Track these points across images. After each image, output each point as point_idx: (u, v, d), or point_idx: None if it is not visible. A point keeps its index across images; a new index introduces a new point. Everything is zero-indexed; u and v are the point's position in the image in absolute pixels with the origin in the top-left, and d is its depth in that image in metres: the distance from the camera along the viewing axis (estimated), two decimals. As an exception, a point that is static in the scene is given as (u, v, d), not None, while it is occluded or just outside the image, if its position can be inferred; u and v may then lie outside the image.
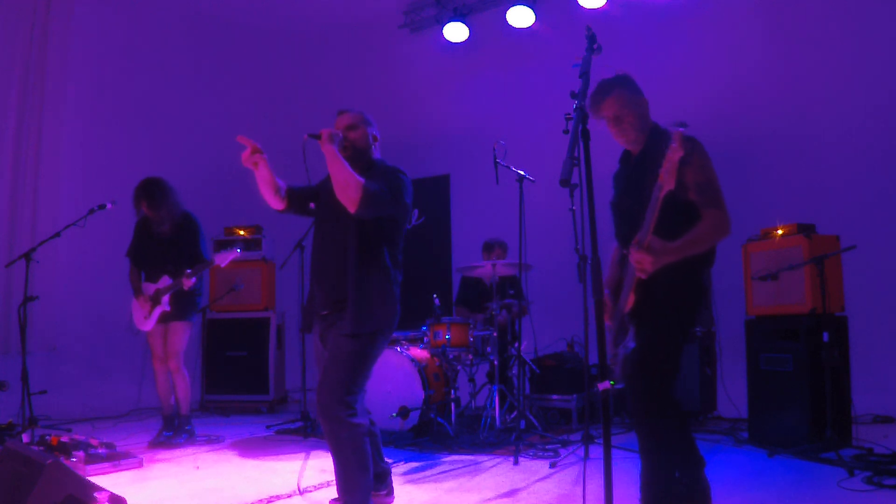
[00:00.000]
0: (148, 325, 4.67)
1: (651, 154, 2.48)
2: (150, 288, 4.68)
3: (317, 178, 3.01)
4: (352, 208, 2.72)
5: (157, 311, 4.62)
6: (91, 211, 4.69)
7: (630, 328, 2.51)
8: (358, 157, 2.92)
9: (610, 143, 2.64)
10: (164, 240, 4.72)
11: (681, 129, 2.15)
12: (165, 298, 4.59)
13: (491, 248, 5.88)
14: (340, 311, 2.81)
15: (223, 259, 4.53)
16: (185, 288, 4.56)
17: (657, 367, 2.39)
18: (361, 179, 2.73)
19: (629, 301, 2.46)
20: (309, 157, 2.78)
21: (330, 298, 2.85)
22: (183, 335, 4.76)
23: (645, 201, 2.34)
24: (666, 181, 2.19)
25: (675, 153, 2.14)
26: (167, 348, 4.73)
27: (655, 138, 2.53)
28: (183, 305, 4.70)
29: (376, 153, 3.05)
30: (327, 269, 2.88)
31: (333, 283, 2.84)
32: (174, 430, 4.75)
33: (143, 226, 4.82)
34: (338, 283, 2.82)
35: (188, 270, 4.53)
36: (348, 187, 2.70)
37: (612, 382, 2.51)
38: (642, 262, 2.29)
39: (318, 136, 2.80)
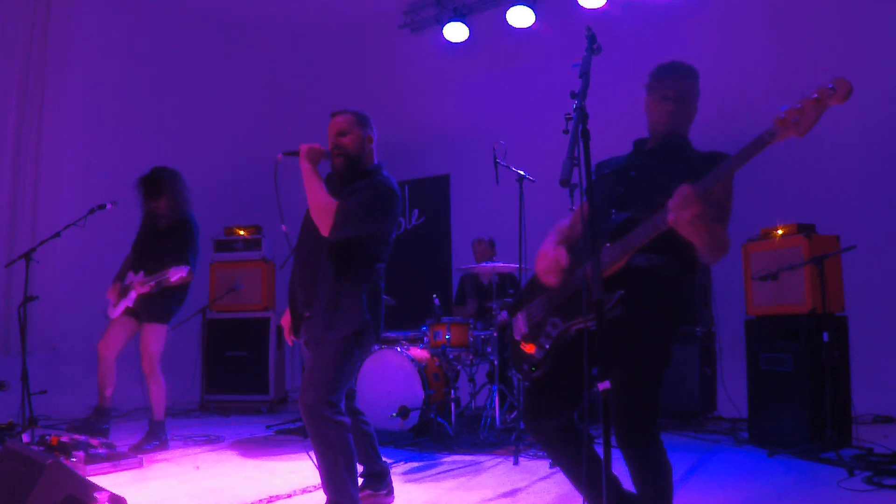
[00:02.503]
0: (114, 313, 4.56)
1: (676, 149, 2.25)
2: (130, 278, 4.59)
3: (292, 194, 2.98)
4: (324, 231, 2.71)
5: (122, 305, 4.51)
6: (91, 211, 4.67)
7: (577, 307, 2.11)
8: (352, 165, 2.87)
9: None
10: (158, 234, 4.62)
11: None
12: (131, 294, 4.46)
13: (480, 243, 5.97)
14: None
15: (174, 273, 4.33)
16: (137, 293, 4.43)
17: (655, 394, 2.13)
18: (334, 203, 2.70)
19: (612, 269, 2.08)
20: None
21: (308, 302, 2.83)
22: (158, 338, 4.56)
23: (659, 180, 2.06)
24: (794, 124, 1.77)
25: (831, 97, 1.74)
26: (141, 350, 4.54)
27: (686, 143, 2.30)
28: (158, 308, 4.54)
29: (373, 157, 2.97)
30: (303, 274, 2.87)
31: (307, 287, 2.83)
32: (147, 434, 4.51)
33: (146, 217, 4.76)
34: (310, 288, 2.81)
35: (146, 277, 4.42)
36: (322, 212, 2.70)
37: (532, 368, 2.20)
38: (691, 202, 1.85)
39: (295, 153, 2.78)
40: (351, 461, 2.69)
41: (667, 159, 2.23)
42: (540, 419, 2.23)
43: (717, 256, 2.04)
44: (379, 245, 2.88)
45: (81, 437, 4.04)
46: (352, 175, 2.86)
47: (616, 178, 2.31)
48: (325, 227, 2.71)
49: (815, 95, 1.76)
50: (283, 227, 2.93)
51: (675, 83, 2.26)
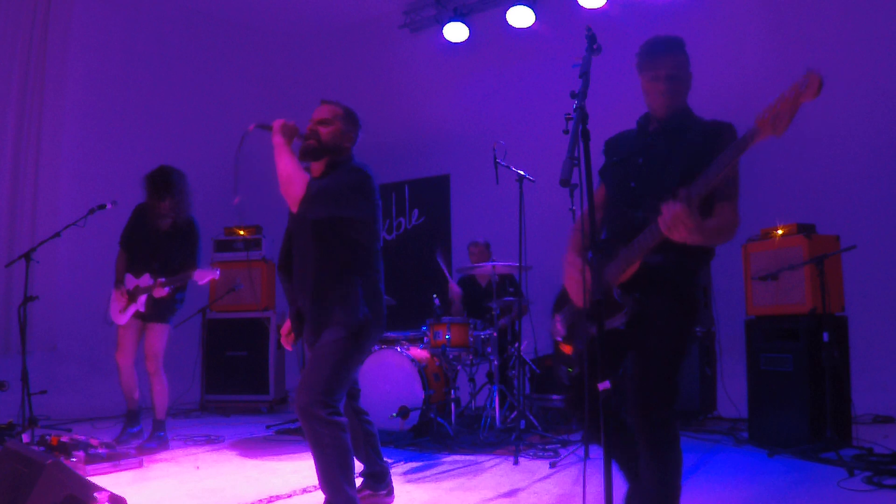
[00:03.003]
0: (122, 319, 4.53)
1: (680, 128, 2.26)
2: (131, 281, 4.54)
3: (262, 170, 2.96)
4: (293, 206, 2.63)
5: (132, 309, 4.48)
6: (91, 211, 4.66)
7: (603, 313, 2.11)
8: (322, 152, 2.82)
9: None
10: (160, 235, 4.57)
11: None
12: (142, 298, 4.45)
13: (475, 245, 5.98)
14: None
15: (202, 276, 4.35)
16: (156, 296, 4.42)
17: (671, 377, 2.17)
18: (307, 176, 2.64)
19: (627, 272, 2.16)
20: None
21: (307, 301, 2.82)
22: (162, 337, 4.59)
23: (667, 166, 2.10)
24: (771, 124, 1.77)
25: (802, 94, 1.74)
26: (146, 350, 4.56)
27: (688, 115, 2.31)
28: (162, 307, 4.55)
29: (350, 154, 2.91)
30: (299, 274, 2.85)
31: (304, 286, 2.81)
32: (149, 434, 4.55)
33: (141, 213, 4.68)
34: (307, 286, 2.79)
35: (161, 279, 4.39)
36: (291, 184, 2.61)
37: (570, 368, 2.28)
38: (681, 221, 1.89)
39: (268, 127, 2.71)
40: (346, 461, 2.66)
41: (671, 140, 2.24)
42: (579, 411, 2.28)
43: (725, 240, 2.11)
44: (367, 235, 2.82)
45: (81, 437, 4.04)
46: (320, 164, 2.84)
47: (624, 167, 2.32)
48: (293, 200, 2.61)
49: (788, 94, 1.78)
50: (237, 200, 2.95)
51: (665, 60, 2.28)
